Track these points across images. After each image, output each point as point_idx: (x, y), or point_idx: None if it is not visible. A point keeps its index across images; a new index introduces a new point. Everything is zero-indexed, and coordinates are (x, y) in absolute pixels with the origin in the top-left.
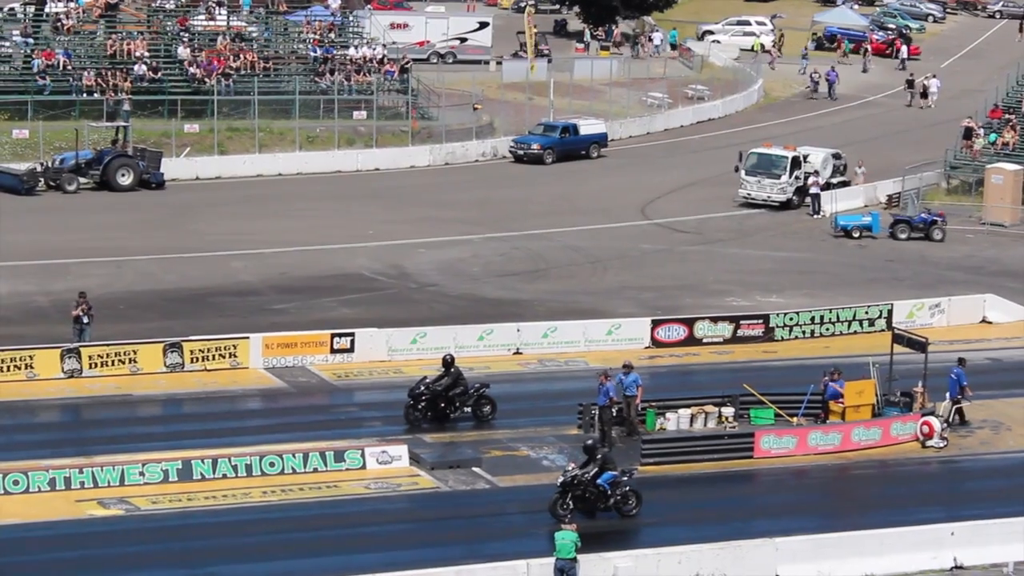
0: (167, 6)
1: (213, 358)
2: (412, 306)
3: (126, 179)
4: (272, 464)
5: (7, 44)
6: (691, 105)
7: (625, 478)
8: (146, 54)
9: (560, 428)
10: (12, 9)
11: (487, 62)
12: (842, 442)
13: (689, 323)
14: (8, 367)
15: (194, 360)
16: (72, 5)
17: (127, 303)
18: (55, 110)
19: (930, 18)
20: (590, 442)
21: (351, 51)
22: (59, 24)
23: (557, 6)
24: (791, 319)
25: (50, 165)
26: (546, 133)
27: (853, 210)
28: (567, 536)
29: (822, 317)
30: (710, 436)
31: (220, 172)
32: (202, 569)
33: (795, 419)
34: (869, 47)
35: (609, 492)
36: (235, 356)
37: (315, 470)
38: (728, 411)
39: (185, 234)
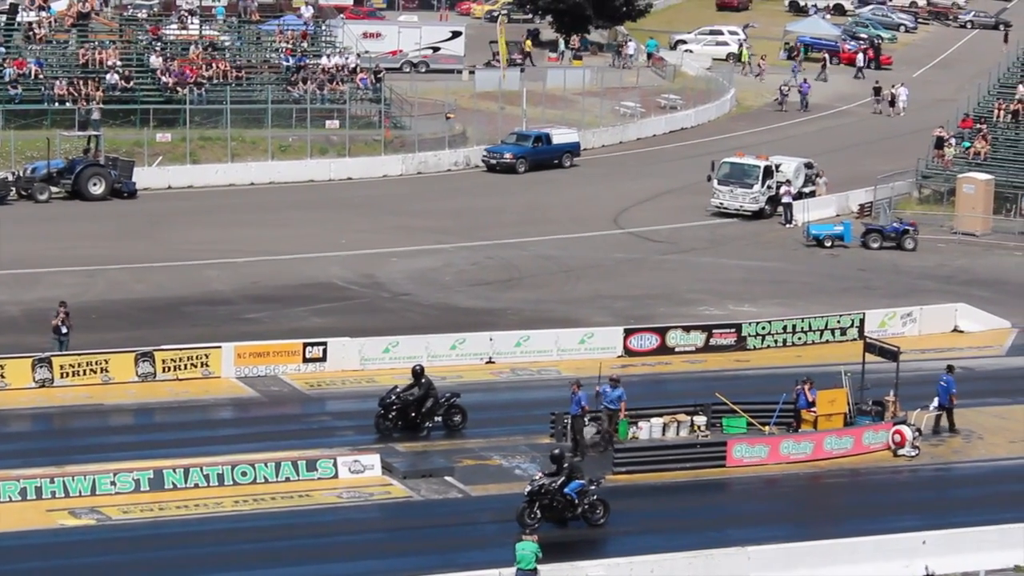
0: (139, 15)
1: (185, 367)
2: (385, 315)
3: (98, 188)
4: (244, 473)
5: None
6: (664, 114)
7: (593, 487)
8: (118, 63)
9: (532, 437)
10: None
11: (460, 71)
12: (814, 451)
13: (661, 332)
14: None
15: (166, 369)
16: (44, 14)
17: (99, 312)
18: (27, 119)
19: (902, 28)
20: (557, 451)
21: (324, 60)
22: (31, 33)
23: (530, 16)
24: (763, 328)
25: (22, 174)
26: (519, 142)
27: (825, 219)
28: (528, 547)
29: (794, 326)
30: (682, 445)
31: (192, 181)
32: None
33: (767, 428)
34: (827, 57)
35: (576, 501)
36: (207, 365)
37: (287, 479)
38: (700, 420)
39: (157, 243)
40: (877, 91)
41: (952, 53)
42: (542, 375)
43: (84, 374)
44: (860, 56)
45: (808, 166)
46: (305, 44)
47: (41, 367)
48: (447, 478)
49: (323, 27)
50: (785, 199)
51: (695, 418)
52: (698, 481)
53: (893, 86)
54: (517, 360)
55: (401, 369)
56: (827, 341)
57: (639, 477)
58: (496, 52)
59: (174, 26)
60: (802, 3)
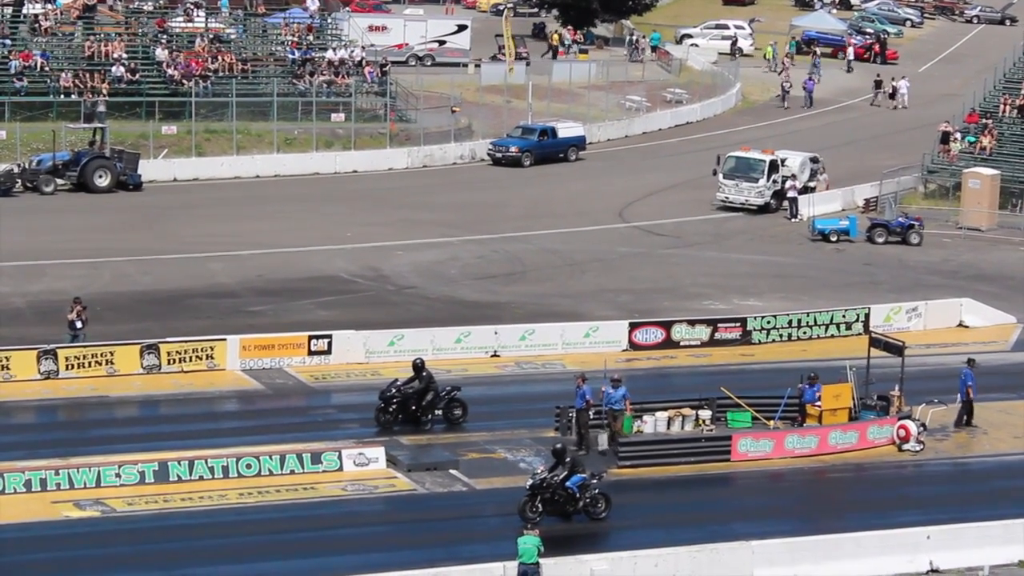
0: (145, 8)
1: (190, 360)
2: (390, 308)
3: (103, 180)
4: (249, 466)
5: None
6: (669, 108)
7: (594, 481)
8: (124, 56)
9: (537, 431)
10: None
11: (465, 65)
12: (819, 445)
13: (666, 326)
14: None
15: (171, 362)
16: (50, 6)
17: (104, 304)
18: (32, 111)
19: (908, 23)
20: (559, 445)
21: (329, 53)
22: (37, 25)
23: (536, 9)
24: (768, 322)
25: (27, 166)
26: (524, 136)
27: (830, 214)
28: (530, 541)
29: (799, 321)
30: (687, 439)
31: (197, 174)
32: (178, 571)
33: (772, 422)
34: (818, 50)
35: (578, 495)
36: (212, 358)
37: (292, 472)
38: (705, 414)
39: (162, 236)
40: (878, 84)
41: (958, 48)
42: (547, 369)
43: (89, 366)
44: (850, 50)
45: (814, 160)
46: (311, 37)
47: (46, 359)
48: (451, 471)
49: (329, 20)
50: (790, 193)
51: (700, 412)
52: (703, 475)
53: (893, 78)
54: (522, 354)
55: (406, 362)
56: (832, 336)
57: (643, 471)
58: (502, 46)
59: (180, 18)
60: None
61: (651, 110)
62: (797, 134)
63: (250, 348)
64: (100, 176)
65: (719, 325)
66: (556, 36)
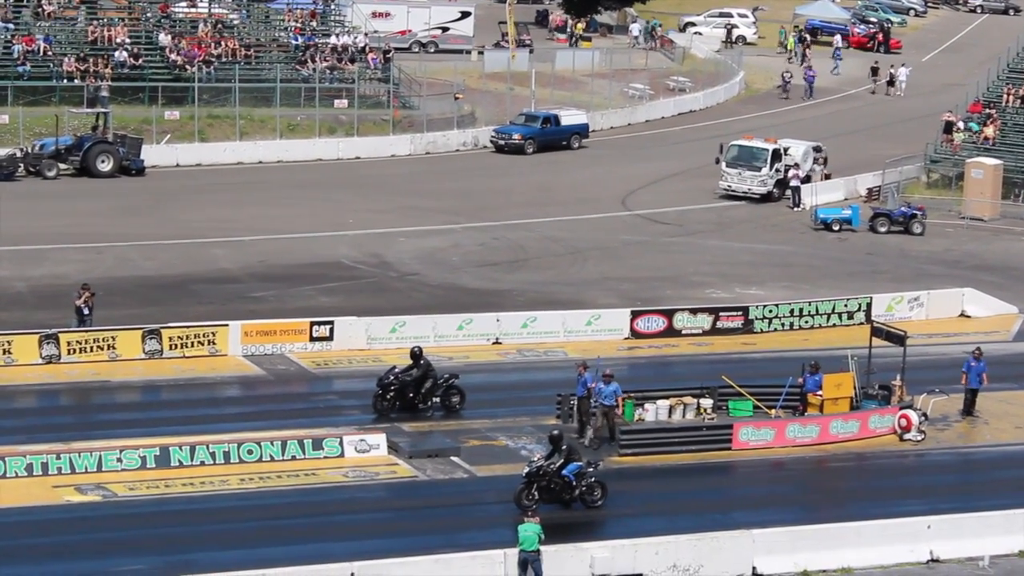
0: None
1: (192, 345)
2: (392, 295)
3: (106, 165)
4: (250, 451)
5: None
6: (672, 97)
7: (590, 469)
8: (127, 41)
9: (538, 418)
10: None
11: (469, 52)
12: (820, 435)
13: (668, 314)
14: None
15: (172, 347)
16: None
17: (106, 289)
18: (35, 96)
19: (912, 12)
20: (555, 432)
21: (333, 39)
22: (40, 10)
23: None
24: (770, 311)
25: (30, 151)
26: (527, 123)
27: (833, 203)
28: (530, 528)
29: (801, 310)
30: (688, 427)
31: (200, 159)
32: (179, 556)
33: (773, 411)
34: (807, 37)
35: (574, 483)
36: (214, 343)
37: (293, 458)
38: (707, 403)
39: (165, 221)
40: (875, 71)
41: (962, 37)
42: (549, 356)
43: (91, 351)
44: (838, 37)
45: (817, 149)
46: (314, 23)
47: (48, 343)
48: (453, 458)
49: (332, 6)
50: (793, 182)
51: (701, 401)
52: (704, 464)
53: (892, 66)
54: (524, 341)
55: (408, 349)
56: (834, 325)
57: (645, 459)
58: (505, 33)
59: (183, 4)
60: None
61: (654, 98)
62: (800, 123)
63: (252, 334)
64: (103, 161)
65: (721, 314)
66: (579, 26)
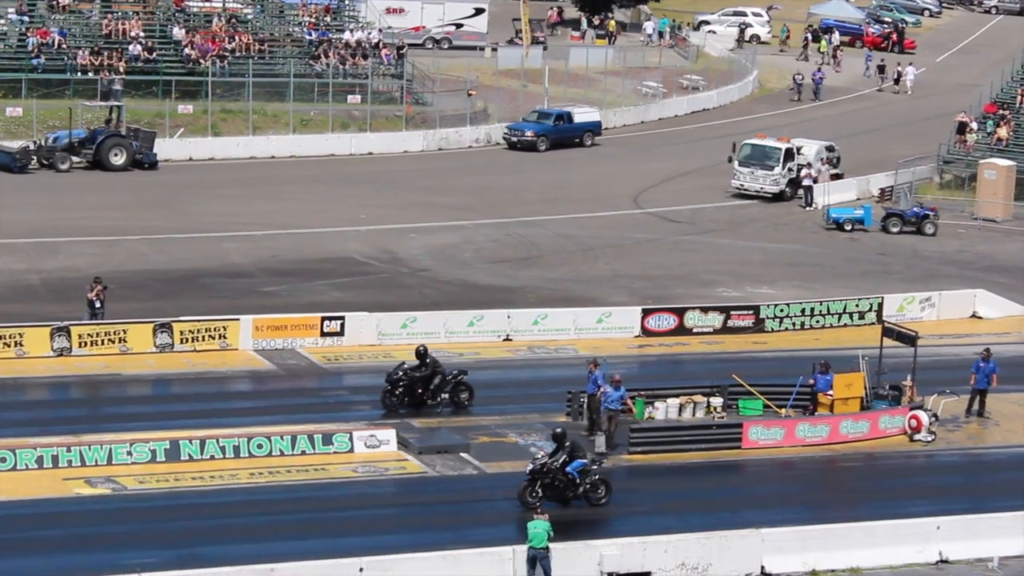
0: None
1: (203, 339)
2: (403, 291)
3: (119, 159)
4: (260, 446)
5: (2, 21)
6: (686, 95)
7: (594, 467)
8: (141, 34)
9: (548, 415)
10: None
11: (482, 48)
12: (830, 434)
13: (679, 313)
14: None
15: (184, 341)
16: None
17: (118, 283)
18: (49, 89)
19: (926, 12)
20: (559, 430)
21: (346, 35)
22: (55, 3)
23: None
24: (782, 310)
25: (43, 143)
26: (540, 120)
27: (845, 203)
28: (539, 525)
29: (813, 309)
30: (698, 426)
31: (213, 154)
32: (188, 549)
33: (783, 410)
34: (808, 37)
35: (578, 480)
36: (225, 337)
37: (303, 453)
38: (717, 401)
39: (177, 215)
40: (881, 69)
41: (976, 38)
42: (559, 353)
43: (102, 344)
44: (835, 36)
45: (830, 149)
46: (328, 18)
47: (60, 336)
48: (462, 454)
49: (346, 2)
50: (806, 182)
51: (711, 399)
52: (713, 462)
53: (899, 64)
54: (534, 338)
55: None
56: (845, 325)
57: (654, 457)
58: (519, 30)
59: None
60: None
61: (667, 96)
62: (813, 122)
63: (263, 328)
64: (116, 154)
65: (732, 312)
66: (612, 22)
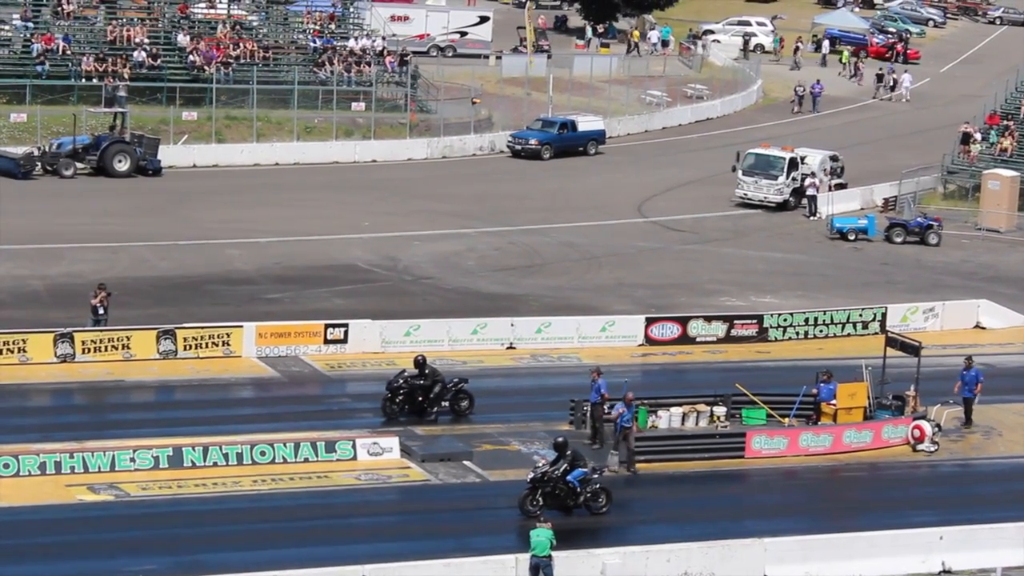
0: None
1: (206, 346)
2: (406, 298)
3: (123, 165)
4: (263, 453)
5: (6, 28)
6: (690, 104)
7: (595, 476)
8: (146, 41)
9: (552, 424)
10: None
11: (487, 56)
12: (833, 444)
13: (683, 322)
14: (1, 351)
15: (187, 347)
16: None
17: (121, 289)
18: (53, 95)
19: (931, 22)
20: (560, 439)
21: (351, 42)
22: (59, 9)
23: (558, 2)
24: (785, 320)
25: (47, 149)
26: (544, 129)
27: (849, 213)
28: (543, 534)
29: (816, 319)
30: (701, 435)
31: (217, 160)
32: (190, 556)
33: (787, 420)
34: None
35: (579, 489)
36: (228, 344)
37: (306, 460)
38: (720, 410)
39: (181, 221)
40: (879, 77)
41: (980, 49)
42: (562, 362)
43: (106, 350)
44: (825, 43)
45: (834, 159)
46: (332, 26)
47: (63, 342)
48: (465, 462)
49: (351, 9)
50: (810, 191)
51: (715, 408)
52: (716, 471)
53: (893, 71)
54: (538, 346)
55: (422, 352)
56: (848, 334)
57: (657, 466)
58: (523, 38)
59: (202, 5)
60: None
61: (671, 105)
62: (818, 132)
63: (266, 335)
64: (120, 161)
65: (735, 322)
66: (636, 32)
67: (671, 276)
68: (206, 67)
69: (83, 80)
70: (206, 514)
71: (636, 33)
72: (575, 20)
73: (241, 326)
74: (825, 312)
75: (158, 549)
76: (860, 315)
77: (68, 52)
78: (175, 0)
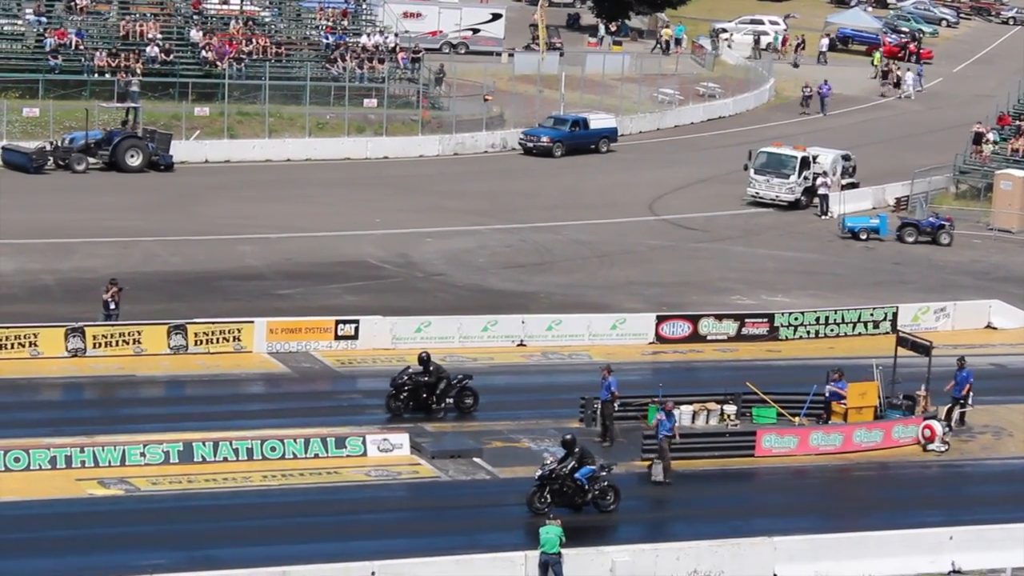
0: None
1: (217, 341)
2: (417, 295)
3: (135, 160)
4: (273, 449)
5: (20, 22)
6: (702, 102)
7: (603, 473)
8: (158, 36)
9: (562, 421)
10: None
11: (499, 54)
12: (843, 443)
13: (694, 320)
14: (12, 345)
15: (198, 343)
16: None
17: (132, 284)
18: (66, 90)
19: (944, 22)
20: (568, 436)
21: (363, 39)
22: (72, 3)
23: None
24: (796, 319)
25: (59, 144)
26: (556, 126)
27: (861, 212)
28: (552, 531)
29: (827, 318)
30: (712, 433)
31: (229, 156)
32: (200, 551)
33: (797, 419)
34: (796, 44)
35: (587, 487)
36: (239, 340)
37: (316, 456)
38: (730, 409)
39: (192, 217)
40: (885, 74)
41: (993, 49)
42: (573, 359)
43: (117, 345)
44: (824, 41)
45: (846, 158)
46: (345, 22)
47: (74, 337)
48: (475, 459)
49: (363, 5)
50: (821, 190)
51: (725, 407)
52: (726, 470)
53: (898, 68)
54: (548, 344)
55: (432, 349)
56: (859, 334)
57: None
58: (535, 35)
59: (215, 0)
60: None
61: (683, 103)
62: (830, 131)
63: (277, 331)
64: (132, 156)
65: (746, 320)
66: (668, 31)
67: (682, 274)
68: (218, 63)
69: (95, 75)
70: (216, 509)
71: (668, 31)
72: (588, 18)
73: (252, 322)
74: (836, 311)
75: (168, 544)
76: (871, 314)
77: (81, 47)
78: None
